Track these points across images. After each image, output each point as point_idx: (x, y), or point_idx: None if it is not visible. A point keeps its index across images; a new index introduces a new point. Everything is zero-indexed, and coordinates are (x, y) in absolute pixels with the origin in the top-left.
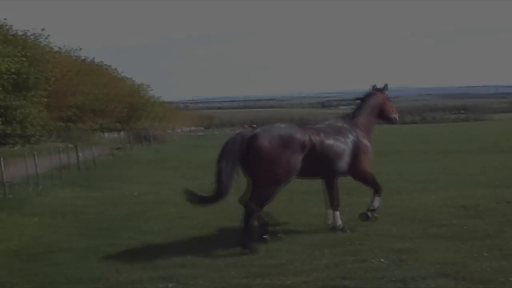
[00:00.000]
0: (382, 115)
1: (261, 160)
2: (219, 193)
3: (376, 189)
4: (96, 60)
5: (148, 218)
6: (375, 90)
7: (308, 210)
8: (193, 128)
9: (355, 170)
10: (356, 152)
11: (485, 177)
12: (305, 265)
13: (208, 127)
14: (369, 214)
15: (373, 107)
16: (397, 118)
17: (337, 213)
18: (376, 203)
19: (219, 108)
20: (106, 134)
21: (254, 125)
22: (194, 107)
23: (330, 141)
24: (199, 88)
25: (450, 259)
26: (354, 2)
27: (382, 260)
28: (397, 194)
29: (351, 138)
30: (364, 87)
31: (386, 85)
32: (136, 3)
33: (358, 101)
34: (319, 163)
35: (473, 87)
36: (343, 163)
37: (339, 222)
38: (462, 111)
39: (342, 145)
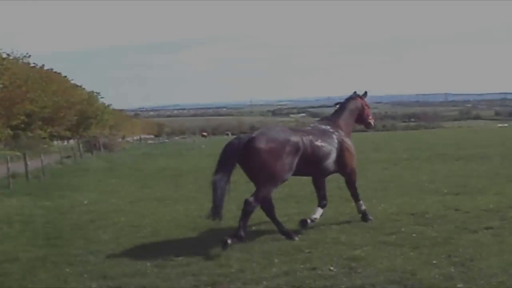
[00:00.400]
0: (360, 119)
1: (259, 161)
2: (213, 212)
3: (356, 195)
4: (46, 67)
5: (97, 227)
6: (356, 96)
7: (259, 218)
8: (143, 136)
9: (343, 167)
10: (342, 150)
11: (434, 185)
12: (255, 274)
13: (159, 135)
14: (367, 216)
15: (352, 111)
16: (372, 123)
17: (320, 209)
18: (362, 207)
19: (169, 116)
20: (55, 142)
21: (204, 134)
22: (145, 115)
23: (318, 142)
24: (150, 96)
25: (399, 266)
26: (300, 9)
27: (331, 268)
28: (347, 202)
29: (335, 138)
30: (313, 95)
31: (366, 92)
32: (86, 7)
33: (338, 105)
34: (309, 163)
35: (424, 95)
36: (331, 162)
37: (317, 216)
38: (413, 119)
39: (329, 145)
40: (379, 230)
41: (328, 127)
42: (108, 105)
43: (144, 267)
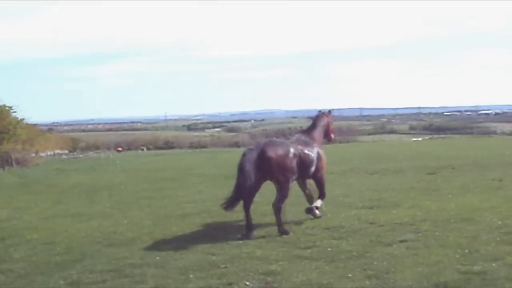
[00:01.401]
0: (326, 134)
1: (273, 167)
2: (232, 204)
3: (323, 196)
4: None
5: (8, 245)
6: (323, 114)
7: (174, 233)
8: (57, 151)
9: (317, 172)
10: (319, 159)
11: (349, 199)
12: None
13: (73, 150)
14: (315, 209)
15: (322, 126)
16: (333, 138)
17: (319, 201)
18: (319, 203)
19: (83, 130)
20: None
21: (119, 148)
22: (59, 129)
23: (306, 151)
24: (64, 110)
25: (315, 280)
26: (215, 25)
27: (247, 283)
28: (263, 216)
29: (315, 148)
30: (228, 110)
31: (330, 111)
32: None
33: (310, 120)
34: (301, 168)
35: (339, 109)
36: (313, 168)
37: (318, 205)
38: None
39: (312, 154)
40: (294, 245)
41: (307, 138)
42: (21, 120)
43: (57, 285)
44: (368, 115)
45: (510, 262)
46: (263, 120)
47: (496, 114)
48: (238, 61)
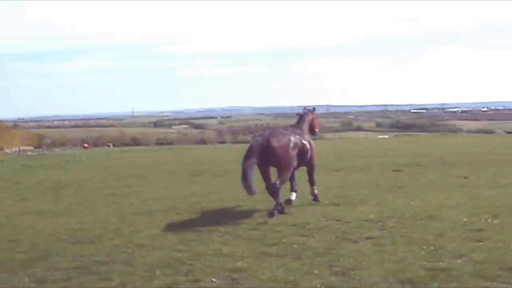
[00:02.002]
0: (311, 128)
1: (276, 155)
2: (248, 191)
3: (313, 182)
4: None
5: None
6: (308, 111)
7: (140, 230)
8: (22, 148)
9: (310, 161)
10: (311, 149)
11: None
12: (137, 287)
13: (39, 147)
14: (315, 195)
15: (308, 121)
16: (317, 132)
17: (294, 194)
18: (315, 191)
19: (49, 127)
20: None
21: (86, 145)
22: (24, 125)
23: (303, 141)
24: (29, 106)
25: (281, 277)
26: (182, 21)
27: (213, 279)
28: (229, 214)
29: (307, 139)
30: (195, 107)
31: (314, 108)
32: None
33: (297, 116)
34: (300, 156)
35: (306, 106)
36: (308, 156)
37: (293, 198)
38: None
39: (307, 144)
40: (260, 241)
41: (299, 130)
42: None
43: (22, 283)
44: (335, 112)
45: (475, 258)
46: (230, 116)
47: (463, 112)
48: (205, 57)
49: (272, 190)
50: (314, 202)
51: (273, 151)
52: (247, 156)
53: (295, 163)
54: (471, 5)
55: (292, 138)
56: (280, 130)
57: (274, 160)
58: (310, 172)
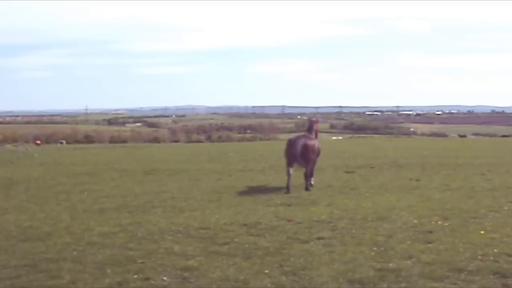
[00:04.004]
0: (315, 134)
1: (308, 152)
2: (288, 190)
3: (312, 175)
4: None
5: None
6: (316, 121)
7: (91, 228)
8: None
9: (316, 159)
10: (318, 152)
11: (267, 196)
12: (87, 285)
13: None
14: (310, 185)
15: (315, 130)
16: (317, 136)
17: (312, 178)
18: (313, 181)
19: (1, 123)
20: None
21: (38, 142)
22: None
23: (317, 144)
24: None
25: (232, 276)
26: (140, 19)
27: (164, 278)
28: (181, 212)
29: (317, 144)
30: (149, 105)
31: (317, 119)
32: None
33: (308, 123)
34: (315, 156)
35: (261, 107)
36: (317, 157)
37: (313, 182)
38: (249, 131)
39: (318, 147)
40: (212, 241)
41: (312, 136)
42: None
43: None
44: (289, 113)
45: (424, 259)
46: (184, 115)
47: (417, 115)
48: (160, 55)
49: (306, 175)
50: (268, 203)
51: (307, 149)
52: (288, 157)
53: (316, 159)
54: (426, 9)
55: (315, 142)
56: (307, 135)
57: (305, 156)
58: (313, 168)
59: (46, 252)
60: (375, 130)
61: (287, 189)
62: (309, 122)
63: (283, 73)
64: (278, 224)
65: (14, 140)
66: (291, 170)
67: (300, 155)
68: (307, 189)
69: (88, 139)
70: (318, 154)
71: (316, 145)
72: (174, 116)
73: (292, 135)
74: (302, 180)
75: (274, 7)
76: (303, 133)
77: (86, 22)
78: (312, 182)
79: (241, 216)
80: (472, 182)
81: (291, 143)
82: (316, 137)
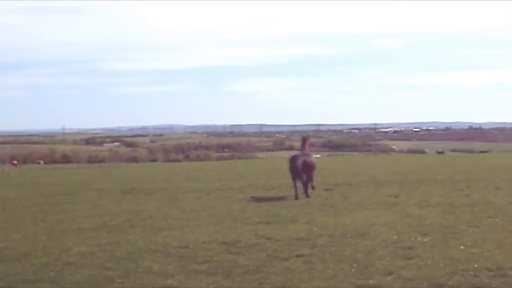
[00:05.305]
0: (309, 149)
1: (311, 168)
2: (296, 197)
3: (312, 180)
4: None
5: None
6: (309, 136)
7: (69, 248)
8: None
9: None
10: (315, 166)
11: (246, 214)
12: None
13: None
14: (312, 187)
15: (308, 145)
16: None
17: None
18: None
19: None
20: None
21: (15, 162)
22: None
23: (314, 160)
24: None
25: None
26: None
27: None
28: (159, 231)
29: (314, 160)
30: (127, 125)
31: (309, 135)
32: None
33: (302, 139)
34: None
35: (238, 125)
36: (314, 169)
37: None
38: (227, 149)
39: (315, 162)
40: (191, 259)
41: (308, 152)
42: None
43: None
44: (267, 132)
45: (405, 275)
46: (162, 135)
47: (395, 132)
48: (137, 75)
49: (310, 186)
50: (247, 221)
51: (309, 165)
52: (293, 173)
53: (314, 171)
54: (401, 26)
55: (314, 159)
56: (307, 153)
57: (307, 171)
58: (312, 179)
59: (23, 273)
60: (353, 148)
61: (295, 197)
62: (302, 139)
63: (260, 92)
64: (257, 242)
65: None
66: (297, 183)
67: (302, 171)
68: (306, 195)
69: (66, 159)
70: (315, 168)
71: (314, 161)
72: (152, 135)
73: (281, 153)
74: (282, 194)
75: (249, 26)
76: (300, 153)
77: (63, 42)
78: (313, 184)
79: (220, 235)
80: (451, 198)
81: (293, 161)
82: (309, 150)
